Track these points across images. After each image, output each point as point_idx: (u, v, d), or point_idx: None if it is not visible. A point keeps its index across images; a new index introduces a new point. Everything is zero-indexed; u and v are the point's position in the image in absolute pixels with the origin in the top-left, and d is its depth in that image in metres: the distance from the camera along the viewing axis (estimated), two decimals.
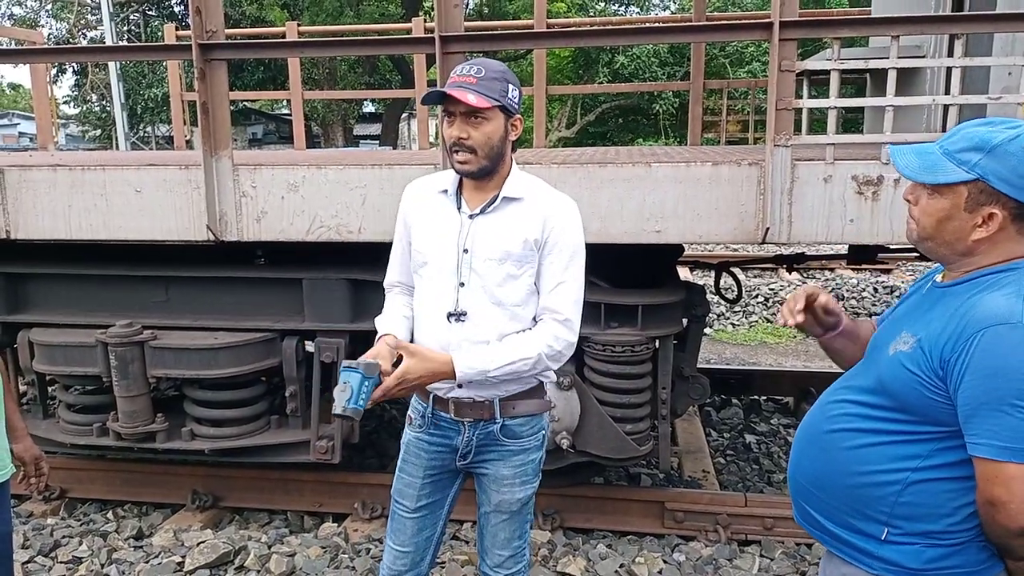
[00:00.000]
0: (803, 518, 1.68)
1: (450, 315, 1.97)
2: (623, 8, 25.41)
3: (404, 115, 23.31)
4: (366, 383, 1.79)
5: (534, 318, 2.03)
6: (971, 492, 1.43)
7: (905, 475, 1.46)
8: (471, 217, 1.98)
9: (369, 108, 27.43)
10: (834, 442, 1.57)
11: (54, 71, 20.99)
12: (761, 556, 3.38)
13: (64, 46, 16.44)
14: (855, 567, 1.55)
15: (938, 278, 1.56)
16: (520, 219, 1.97)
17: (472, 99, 1.83)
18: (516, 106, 1.94)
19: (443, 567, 3.20)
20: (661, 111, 22.76)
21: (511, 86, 1.92)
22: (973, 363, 1.35)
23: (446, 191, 2.03)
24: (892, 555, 1.49)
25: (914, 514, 1.46)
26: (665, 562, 3.26)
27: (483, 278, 1.96)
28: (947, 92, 2.88)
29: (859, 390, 1.57)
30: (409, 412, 2.19)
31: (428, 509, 2.17)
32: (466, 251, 1.97)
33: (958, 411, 1.38)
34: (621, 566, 3.21)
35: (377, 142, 23.60)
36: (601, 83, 21.40)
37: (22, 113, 31.15)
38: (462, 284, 1.97)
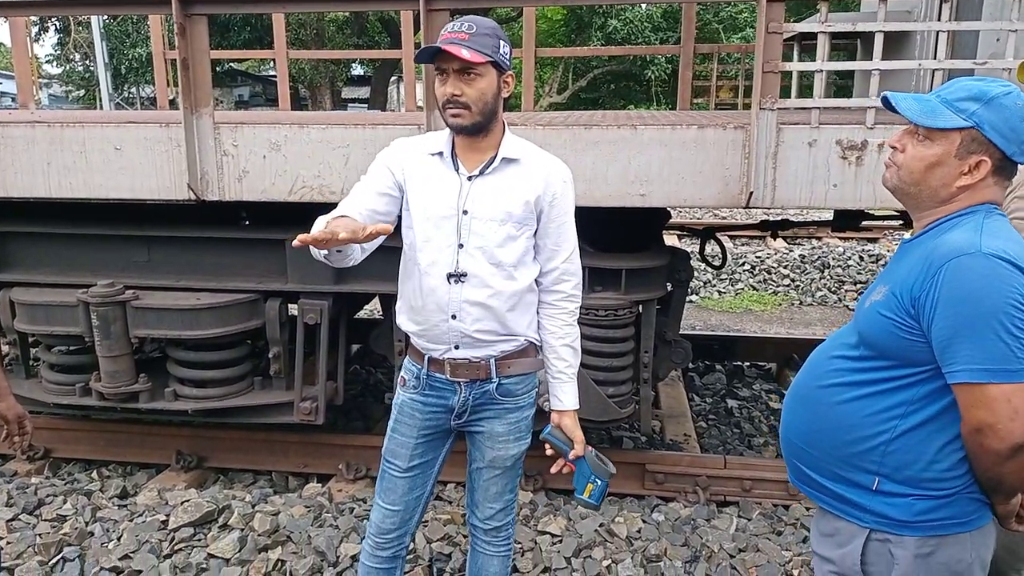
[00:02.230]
0: (796, 476, 1.73)
1: (450, 276, 1.98)
2: None
3: (393, 78, 23.03)
4: (607, 488, 2.16)
5: (537, 280, 2.08)
6: (959, 438, 1.46)
7: (894, 423, 1.50)
8: (470, 179, 1.98)
9: (358, 71, 27.08)
10: (823, 398, 1.61)
11: (35, 29, 20.57)
12: (739, 517, 3.43)
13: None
14: (847, 521, 1.58)
15: (906, 235, 1.63)
16: (520, 180, 1.98)
17: (466, 54, 1.82)
18: (507, 63, 1.93)
19: (426, 526, 3.24)
20: (653, 77, 22.58)
21: (502, 42, 1.91)
22: (942, 296, 1.39)
23: (440, 153, 2.01)
24: (883, 508, 1.53)
25: (903, 462, 1.50)
26: (644, 522, 3.31)
27: (483, 239, 1.97)
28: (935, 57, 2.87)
29: (845, 346, 1.61)
30: (402, 374, 2.20)
31: (420, 469, 2.19)
32: (465, 212, 1.97)
33: (934, 346, 1.42)
34: (601, 525, 3.26)
35: (366, 105, 23.34)
36: (593, 46, 21.16)
37: (3, 72, 30.54)
38: (461, 245, 1.98)
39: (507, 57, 1.93)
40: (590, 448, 2.14)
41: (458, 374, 2.07)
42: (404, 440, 2.17)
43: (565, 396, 2.13)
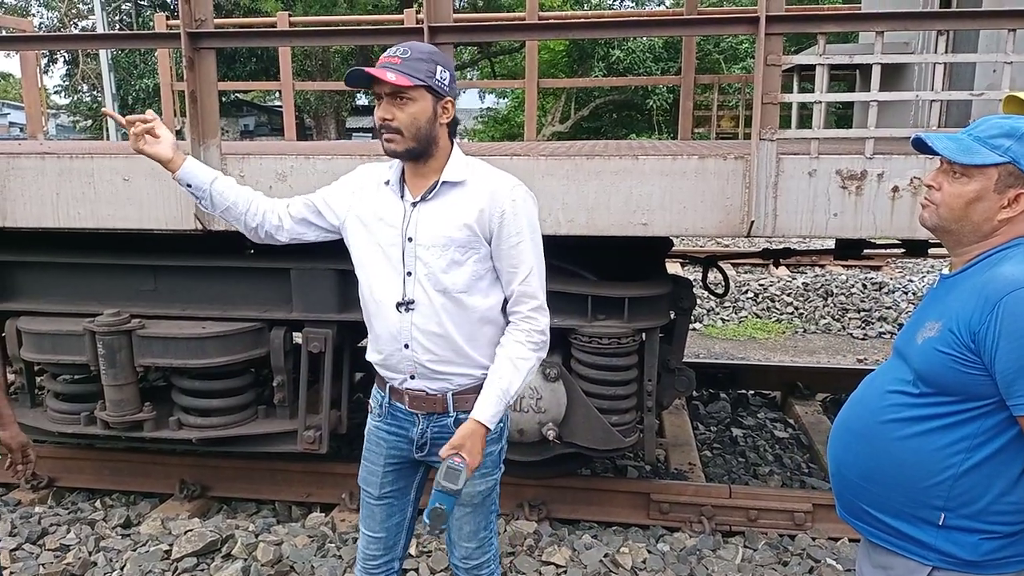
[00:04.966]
0: (848, 511, 1.71)
1: (399, 305, 1.98)
2: (617, 2, 25.40)
3: None
4: (437, 505, 1.89)
5: (503, 307, 2.03)
6: None
7: (960, 458, 1.50)
8: (414, 205, 1.98)
9: (362, 100, 27.33)
10: (884, 434, 1.60)
11: (45, 60, 20.88)
12: (745, 547, 3.41)
13: (52, 33, 16.35)
14: (906, 558, 1.57)
15: (944, 270, 1.65)
16: (462, 204, 1.95)
17: (391, 77, 1.82)
18: (446, 88, 1.91)
19: (430, 556, 3.22)
20: (655, 106, 22.76)
21: (439, 67, 1.89)
22: (1004, 329, 1.41)
23: (388, 181, 2.02)
24: (949, 547, 1.52)
25: (972, 496, 1.50)
26: (649, 552, 3.29)
27: (428, 266, 1.95)
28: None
29: (900, 381, 1.61)
30: (371, 400, 2.20)
31: (393, 497, 2.19)
32: (410, 239, 1.96)
33: (998, 379, 1.43)
34: (605, 555, 3.24)
35: (370, 134, 23.54)
36: (597, 77, 21.36)
37: (13, 103, 30.91)
38: (409, 273, 1.97)
39: (445, 83, 1.90)
40: (458, 460, 1.90)
41: (415, 406, 2.06)
42: (373, 468, 2.18)
43: (479, 404, 1.96)
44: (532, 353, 2.00)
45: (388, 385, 2.10)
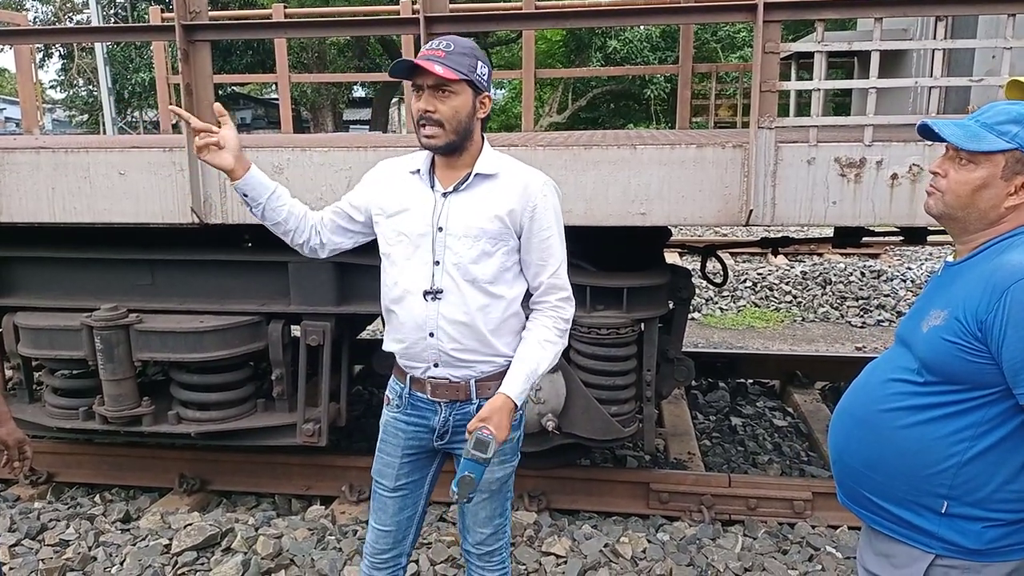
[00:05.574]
0: (850, 498, 1.71)
1: (426, 293, 1.99)
2: None
3: (394, 100, 23.18)
4: (485, 471, 1.92)
5: (527, 295, 2.06)
6: None
7: (964, 446, 1.49)
8: (445, 195, 1.99)
9: (359, 93, 27.30)
10: (887, 422, 1.59)
11: (40, 55, 20.78)
12: (744, 536, 3.41)
13: (46, 27, 16.25)
14: (908, 546, 1.57)
15: (949, 258, 1.63)
16: (494, 196, 1.98)
17: (439, 70, 1.84)
18: (485, 83, 1.95)
19: (430, 548, 3.23)
20: (652, 96, 22.69)
21: (480, 63, 1.92)
22: (1012, 318, 1.40)
23: (418, 171, 2.04)
24: (952, 535, 1.52)
25: (975, 484, 1.49)
26: (649, 541, 3.30)
27: (458, 255, 1.97)
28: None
29: (904, 370, 1.60)
30: (387, 392, 2.21)
31: (408, 489, 2.19)
32: (440, 229, 1.98)
33: (1004, 368, 1.43)
34: (606, 545, 3.24)
35: (367, 127, 23.49)
36: (594, 67, 21.28)
37: (8, 98, 30.80)
38: (437, 262, 1.99)
39: (484, 78, 1.94)
40: (487, 432, 1.89)
41: (438, 394, 2.07)
42: (390, 460, 2.18)
43: (507, 380, 1.99)
44: (558, 338, 2.05)
45: (408, 375, 2.10)
